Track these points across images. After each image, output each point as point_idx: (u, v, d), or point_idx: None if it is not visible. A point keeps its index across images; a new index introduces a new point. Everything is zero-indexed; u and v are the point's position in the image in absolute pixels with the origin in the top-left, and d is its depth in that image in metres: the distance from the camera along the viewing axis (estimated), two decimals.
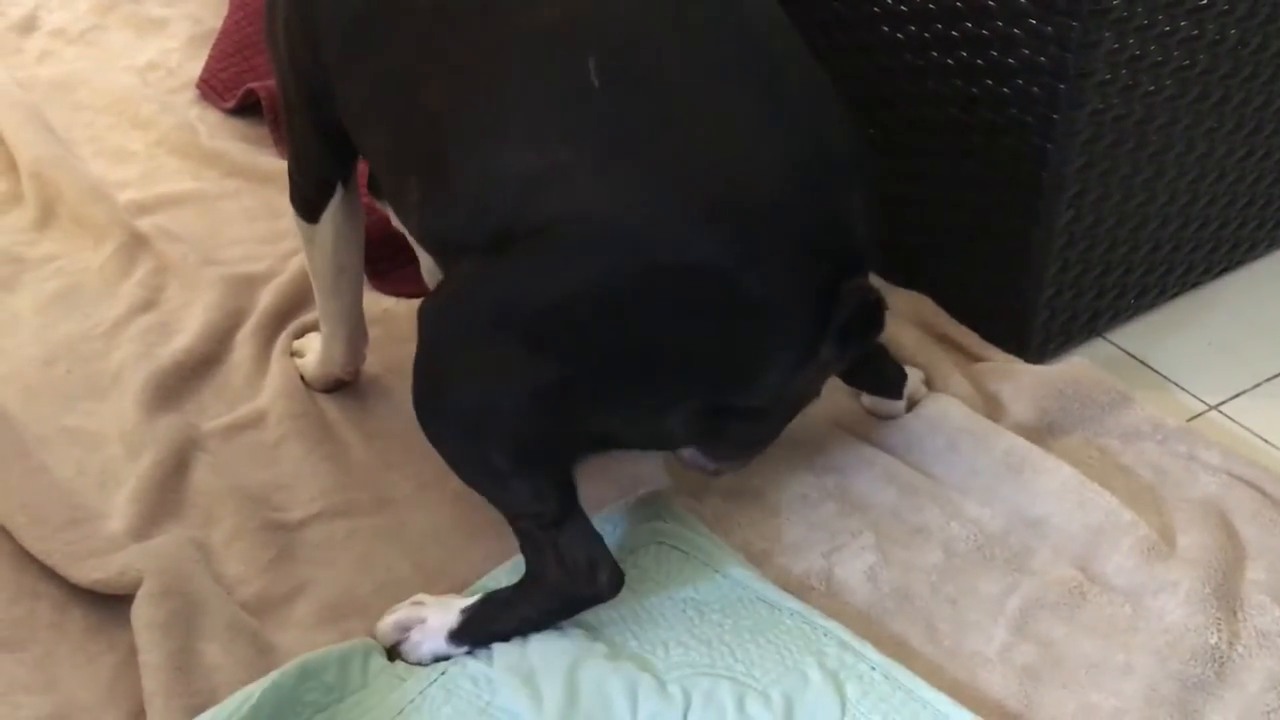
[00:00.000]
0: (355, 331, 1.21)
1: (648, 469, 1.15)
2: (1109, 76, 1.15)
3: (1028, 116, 1.18)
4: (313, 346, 1.25)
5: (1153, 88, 1.20)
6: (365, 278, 1.23)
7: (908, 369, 1.25)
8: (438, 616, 0.98)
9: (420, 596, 1.01)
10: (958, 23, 1.19)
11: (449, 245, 0.97)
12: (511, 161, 0.90)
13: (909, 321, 1.35)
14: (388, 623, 0.99)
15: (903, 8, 1.24)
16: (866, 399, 1.24)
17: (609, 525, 1.08)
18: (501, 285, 0.90)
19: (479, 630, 0.98)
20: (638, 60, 0.90)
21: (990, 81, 1.19)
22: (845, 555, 1.10)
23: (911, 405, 1.23)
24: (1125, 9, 1.11)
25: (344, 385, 1.24)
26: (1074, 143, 1.17)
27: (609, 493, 1.11)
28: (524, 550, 0.97)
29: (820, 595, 1.07)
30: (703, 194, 0.88)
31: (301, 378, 1.25)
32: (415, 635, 0.98)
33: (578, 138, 0.89)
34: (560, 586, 0.96)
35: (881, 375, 1.22)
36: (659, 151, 0.88)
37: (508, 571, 1.03)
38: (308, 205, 1.14)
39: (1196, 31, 1.19)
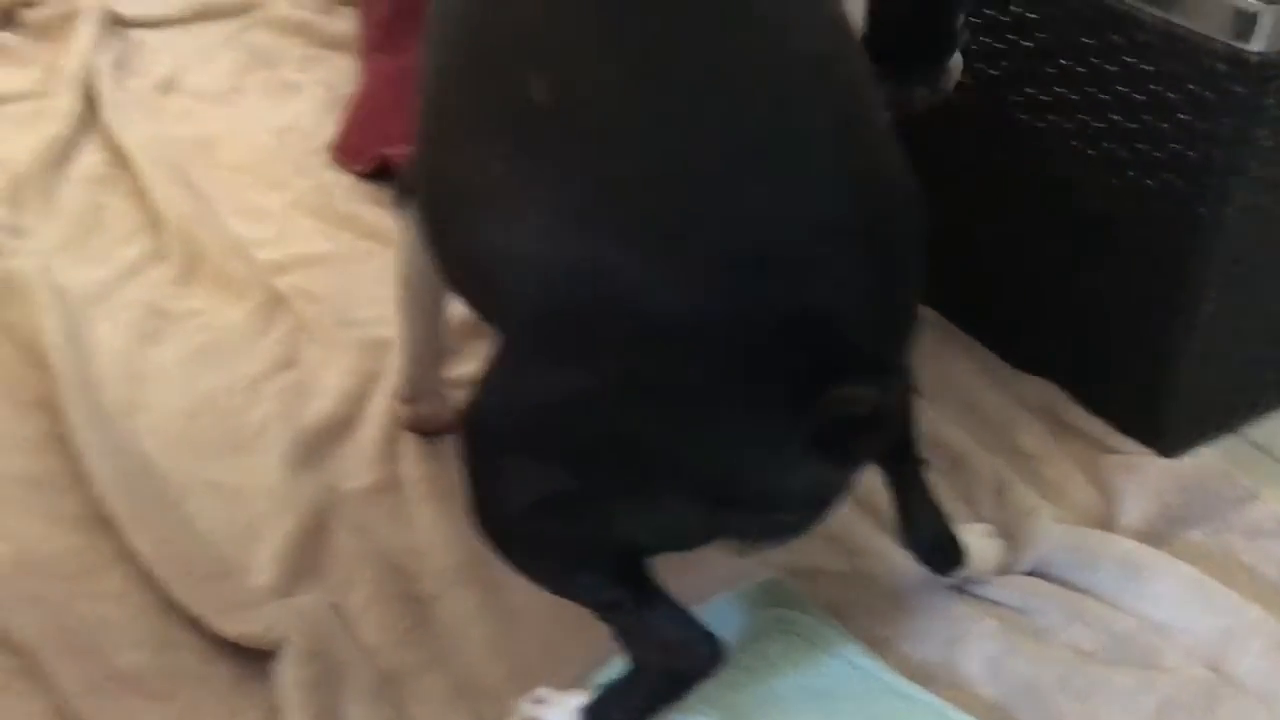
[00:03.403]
0: (415, 361, 1.22)
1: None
2: (1260, 174, 1.15)
3: (1175, 210, 1.17)
4: None
5: None
6: None
7: (985, 538, 1.14)
8: (556, 718, 0.98)
9: (541, 693, 1.00)
10: (1105, 115, 1.20)
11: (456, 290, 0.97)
12: (455, 172, 0.88)
13: (1033, 411, 1.35)
14: None
15: (1044, 98, 1.25)
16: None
17: (731, 611, 1.08)
18: (487, 392, 0.88)
19: None
20: (588, 77, 0.81)
21: (1133, 173, 1.19)
22: (967, 644, 1.08)
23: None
24: (1278, 108, 1.11)
25: (434, 432, 1.25)
26: (1222, 237, 1.17)
27: (709, 585, 1.09)
28: (618, 639, 0.96)
29: (943, 685, 1.06)
30: (641, 268, 0.77)
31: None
32: None
33: (514, 155, 0.83)
34: (661, 666, 0.95)
35: (927, 540, 1.08)
36: (592, 188, 0.79)
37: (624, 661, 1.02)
38: (401, 191, 1.15)
39: None
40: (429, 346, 1.23)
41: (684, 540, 0.92)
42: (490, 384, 0.88)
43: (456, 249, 0.93)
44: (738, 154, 0.78)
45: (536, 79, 0.82)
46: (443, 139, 0.92)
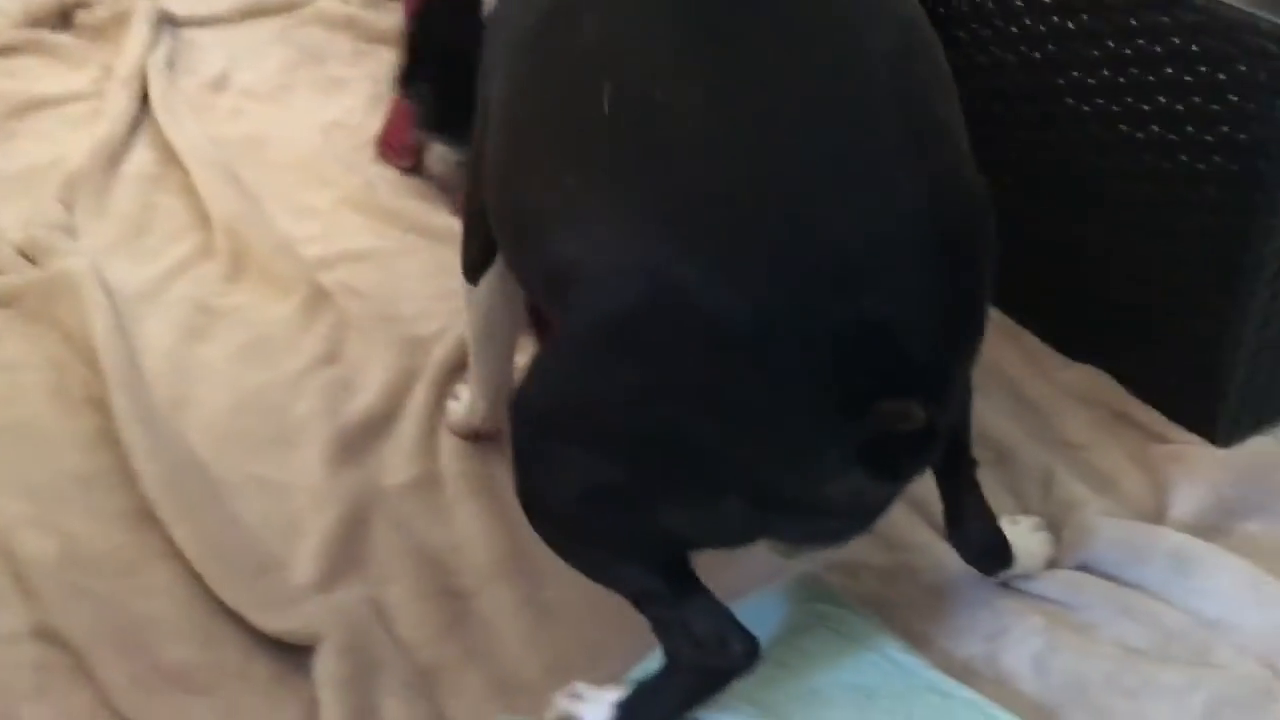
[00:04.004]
0: (499, 394, 1.23)
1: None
2: None
3: (1227, 195, 1.14)
4: (465, 396, 1.28)
5: None
6: (534, 335, 1.26)
7: (1031, 533, 1.13)
8: (592, 714, 0.98)
9: (577, 688, 1.01)
10: (1153, 97, 1.17)
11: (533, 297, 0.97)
12: (529, 190, 0.89)
13: (1082, 400, 1.32)
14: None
15: (1090, 81, 1.22)
16: None
17: (769, 606, 1.08)
18: (542, 383, 0.89)
19: None
20: (658, 86, 0.81)
21: (1185, 158, 1.16)
22: (1010, 640, 1.07)
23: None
24: None
25: (483, 438, 1.27)
26: (1275, 222, 1.13)
27: (749, 580, 1.08)
28: (655, 632, 0.96)
29: (986, 682, 1.05)
30: (700, 270, 0.77)
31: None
32: None
33: (583, 168, 0.84)
34: (695, 663, 0.95)
35: (976, 543, 1.08)
36: (658, 192, 0.80)
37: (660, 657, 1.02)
38: (470, 267, 1.16)
39: None
40: (502, 381, 1.24)
41: (728, 538, 0.92)
42: (544, 374, 0.89)
43: (531, 256, 0.93)
44: (807, 161, 0.78)
45: (607, 90, 0.82)
46: (515, 154, 0.93)
